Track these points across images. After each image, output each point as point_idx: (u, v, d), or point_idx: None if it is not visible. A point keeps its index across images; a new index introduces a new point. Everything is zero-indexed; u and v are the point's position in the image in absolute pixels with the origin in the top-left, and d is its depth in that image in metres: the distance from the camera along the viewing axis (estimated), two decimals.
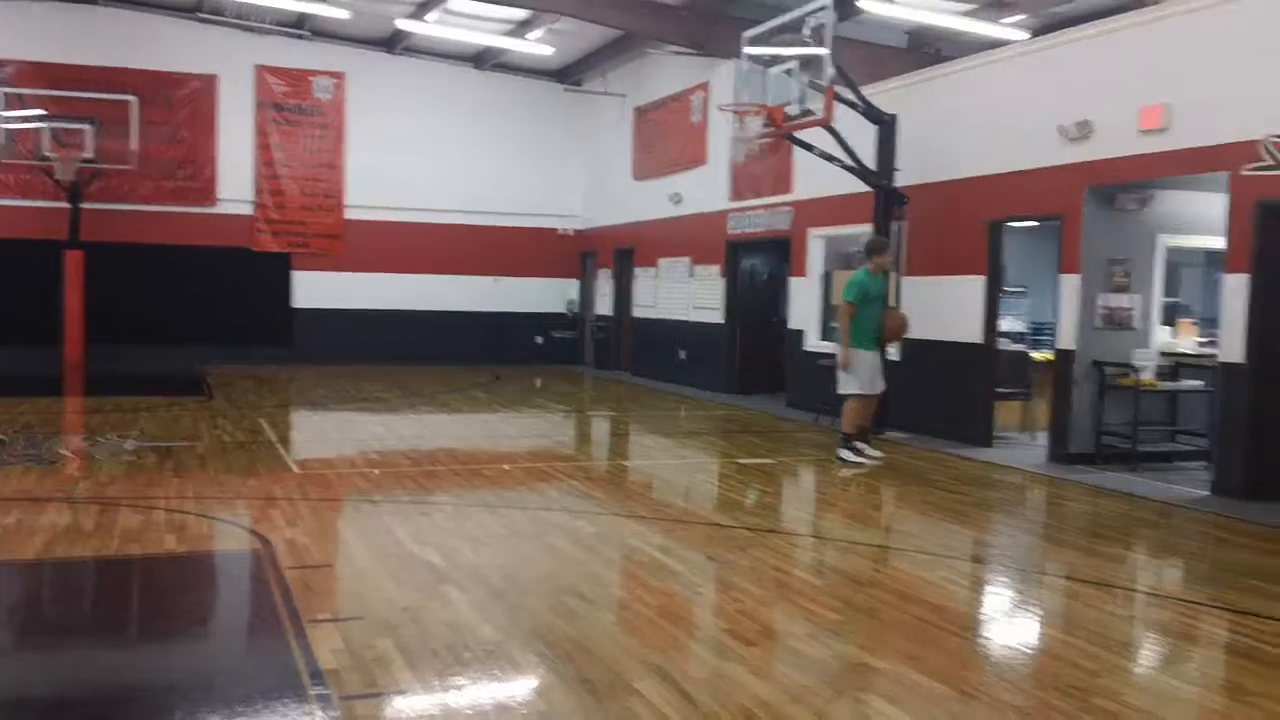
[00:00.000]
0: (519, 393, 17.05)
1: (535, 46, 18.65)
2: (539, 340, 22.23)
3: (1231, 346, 8.75)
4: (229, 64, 19.95)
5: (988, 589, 6.45)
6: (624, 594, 5.87)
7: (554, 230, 22.30)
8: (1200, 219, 10.07)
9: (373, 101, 20.67)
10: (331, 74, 20.58)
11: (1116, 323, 10.32)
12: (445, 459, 10.32)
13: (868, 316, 10.13)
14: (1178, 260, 11.26)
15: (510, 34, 18.62)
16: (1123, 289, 10.31)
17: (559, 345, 22.37)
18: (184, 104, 19.90)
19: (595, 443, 13.10)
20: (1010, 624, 5.84)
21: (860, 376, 10.16)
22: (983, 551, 7.39)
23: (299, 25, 19.96)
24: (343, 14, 18.08)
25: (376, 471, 9.38)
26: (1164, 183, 9.91)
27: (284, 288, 20.70)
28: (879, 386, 10.32)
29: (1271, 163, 8.34)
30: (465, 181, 21.23)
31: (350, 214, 20.82)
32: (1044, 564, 7.07)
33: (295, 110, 20.52)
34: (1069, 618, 5.88)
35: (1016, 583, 6.66)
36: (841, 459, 10.16)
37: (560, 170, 22.05)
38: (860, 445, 10.30)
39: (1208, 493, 8.92)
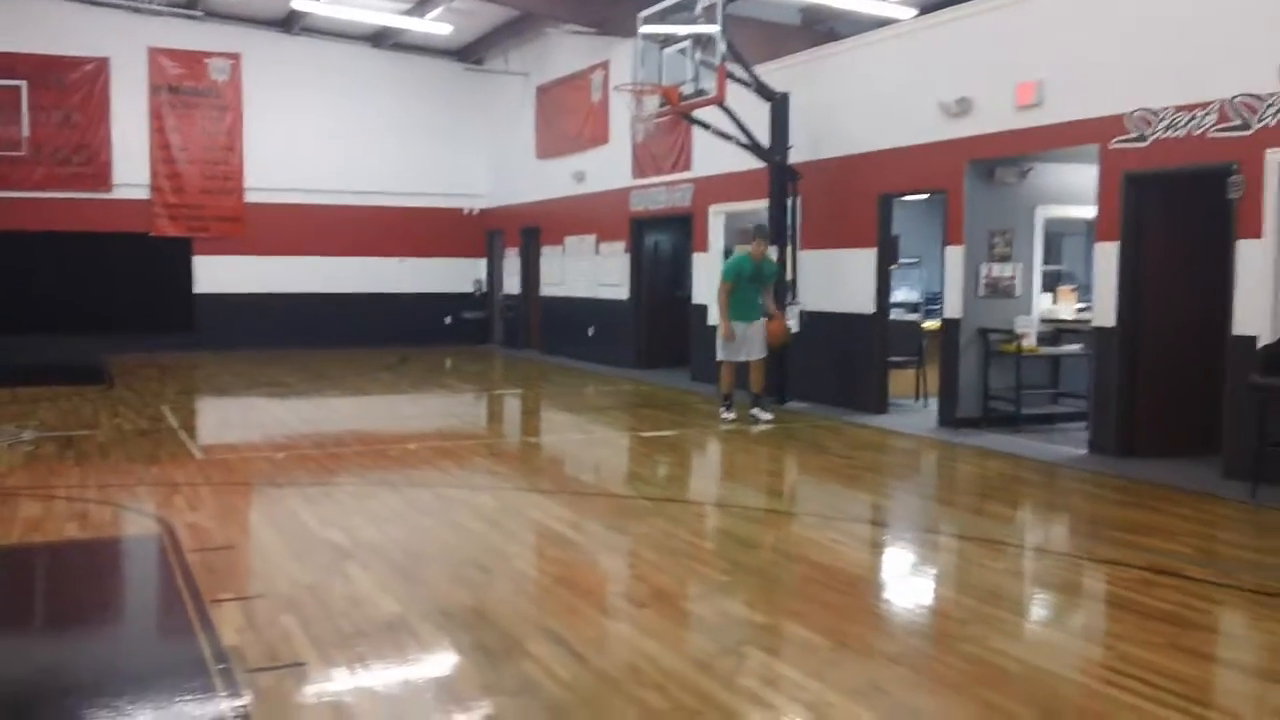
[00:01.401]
0: (426, 373, 17.10)
1: (434, 25, 18.58)
2: (447, 320, 22.23)
3: (1104, 312, 9.22)
4: (121, 46, 19.50)
5: (871, 548, 6.78)
6: (523, 564, 6.06)
7: (460, 210, 22.27)
8: (1076, 190, 10.51)
9: (271, 82, 20.38)
10: (227, 55, 20.24)
11: (1000, 291, 10.76)
12: (350, 441, 10.39)
13: (742, 295, 11.14)
14: (1059, 230, 11.74)
15: (408, 13, 18.52)
16: (1004, 259, 10.75)
17: (468, 325, 22.40)
18: (76, 88, 19.41)
19: (502, 420, 13.25)
20: (890, 579, 6.18)
21: (730, 345, 11.24)
22: (870, 513, 7.74)
23: (191, 6, 19.60)
24: None
25: (281, 455, 9.42)
26: (1041, 156, 10.33)
27: (185, 273, 20.37)
28: (753, 355, 11.23)
29: (1137, 135, 8.79)
30: (368, 162, 21.07)
31: (251, 197, 20.56)
32: (927, 523, 7.45)
33: (191, 92, 20.15)
34: (946, 572, 6.25)
35: (899, 541, 7.02)
36: (723, 417, 11.33)
37: (464, 150, 22.00)
38: (732, 404, 11.47)
39: (1085, 452, 9.40)
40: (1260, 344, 7.79)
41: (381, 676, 4.26)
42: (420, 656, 4.49)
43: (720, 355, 11.40)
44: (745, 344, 11.21)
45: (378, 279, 21.36)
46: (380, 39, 20.81)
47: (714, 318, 14.77)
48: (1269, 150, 7.82)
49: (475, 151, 22.11)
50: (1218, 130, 8.18)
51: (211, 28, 20.04)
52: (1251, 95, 7.92)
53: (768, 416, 11.12)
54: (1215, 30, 8.20)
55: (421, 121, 21.50)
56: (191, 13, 19.74)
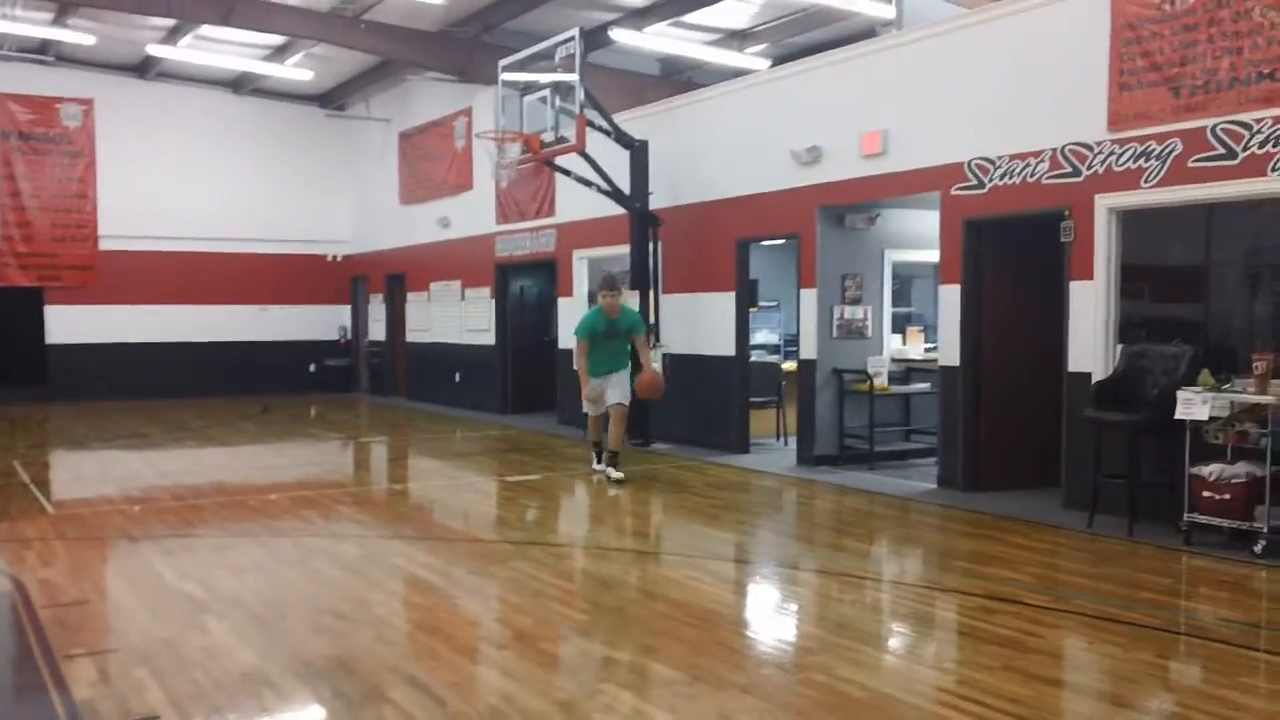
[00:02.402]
0: (290, 422, 16.76)
1: (294, 71, 18.42)
2: (311, 369, 21.83)
3: (949, 351, 9.65)
4: None
5: (729, 584, 6.93)
6: (384, 611, 6.02)
7: (323, 256, 21.98)
8: (922, 235, 10.99)
9: (126, 129, 19.84)
10: (79, 101, 19.64)
11: (853, 332, 11.17)
12: (210, 492, 10.13)
13: (602, 351, 10.41)
14: (908, 273, 12.24)
15: (268, 59, 18.33)
16: (856, 301, 11.17)
17: (333, 373, 22.04)
18: None
19: (367, 468, 13.08)
20: (745, 614, 6.34)
21: (593, 401, 10.61)
22: (728, 550, 7.91)
23: (43, 51, 18.98)
24: (88, 40, 17.36)
25: (137, 508, 9.14)
26: (888, 202, 10.80)
27: (36, 323, 19.58)
28: (612, 399, 10.44)
29: (976, 183, 9.27)
30: (228, 209, 20.65)
31: (105, 244, 19.92)
32: (784, 558, 7.65)
33: (41, 139, 19.49)
34: (800, 605, 6.44)
35: (757, 577, 7.20)
36: (593, 468, 10.90)
37: (327, 196, 21.77)
38: (599, 458, 10.84)
39: (935, 486, 9.78)
40: (1093, 380, 8.27)
41: None
42: (278, 707, 4.44)
43: (585, 408, 10.88)
44: (605, 394, 10.58)
45: (239, 327, 20.86)
46: (240, 84, 20.51)
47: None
48: (1098, 196, 8.33)
49: (338, 197, 21.89)
50: (1050, 177, 8.69)
51: (64, 73, 19.45)
52: (1081, 144, 8.44)
53: (617, 475, 10.31)
54: (1047, 82, 8.72)
55: (283, 167, 21.20)
56: (43, 58, 19.11)
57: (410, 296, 20.02)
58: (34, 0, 15.98)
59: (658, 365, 12.27)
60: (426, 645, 5.36)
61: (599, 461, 10.74)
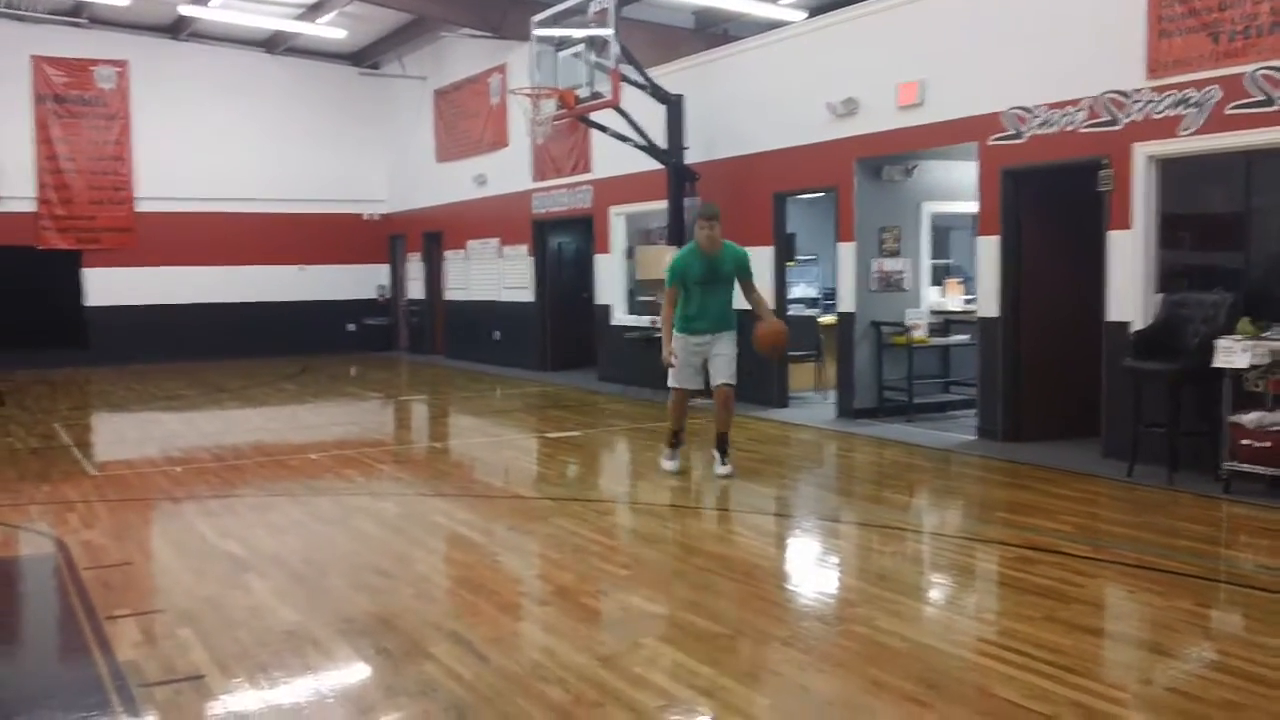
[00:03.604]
0: (330, 382, 16.93)
1: (327, 30, 18.41)
2: (351, 328, 22.01)
3: (988, 303, 9.56)
4: (3, 55, 18.93)
5: (770, 538, 6.96)
6: (424, 568, 6.10)
7: (360, 215, 22.07)
8: (960, 186, 10.87)
9: (160, 90, 19.97)
10: (113, 63, 19.77)
11: (891, 285, 11.09)
12: (250, 453, 10.28)
13: (696, 301, 8.14)
14: (945, 225, 12.10)
15: (300, 17, 18.32)
16: (894, 253, 11.08)
17: (372, 332, 22.21)
18: None
19: (406, 427, 13.21)
20: (785, 567, 6.36)
21: (680, 369, 8.28)
22: (770, 504, 7.92)
23: (76, 13, 19.10)
24: (122, 1, 17.42)
25: (178, 469, 9.29)
26: (925, 154, 10.67)
27: (75, 286, 19.86)
28: (717, 377, 8.24)
29: (1013, 133, 9.13)
30: (264, 169, 20.77)
31: (142, 206, 20.12)
32: (824, 511, 7.66)
33: (77, 101, 19.64)
34: (840, 558, 6.46)
35: (797, 530, 7.22)
36: (661, 465, 8.59)
37: (363, 154, 21.82)
38: (675, 451, 8.59)
39: (975, 437, 9.73)
40: (1132, 329, 8.18)
41: (281, 685, 4.29)
42: (321, 664, 4.52)
43: (670, 380, 8.38)
44: (700, 365, 8.30)
45: (277, 287, 21.06)
46: (273, 44, 20.53)
47: (619, 317, 14.95)
48: (1136, 144, 8.20)
49: (374, 156, 21.94)
50: (1088, 126, 8.55)
51: (97, 35, 19.56)
52: (1119, 92, 8.30)
53: (725, 469, 8.28)
54: (1085, 30, 8.56)
55: (318, 127, 21.26)
56: (76, 20, 19.23)
57: (448, 254, 20.09)
58: None
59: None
60: (468, 601, 5.44)
61: (672, 455, 8.49)
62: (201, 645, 4.68)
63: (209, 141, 20.31)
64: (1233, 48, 7.54)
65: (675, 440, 8.53)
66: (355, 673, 4.45)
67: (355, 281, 22.09)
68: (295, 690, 4.25)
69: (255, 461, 9.72)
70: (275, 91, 20.90)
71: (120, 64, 19.79)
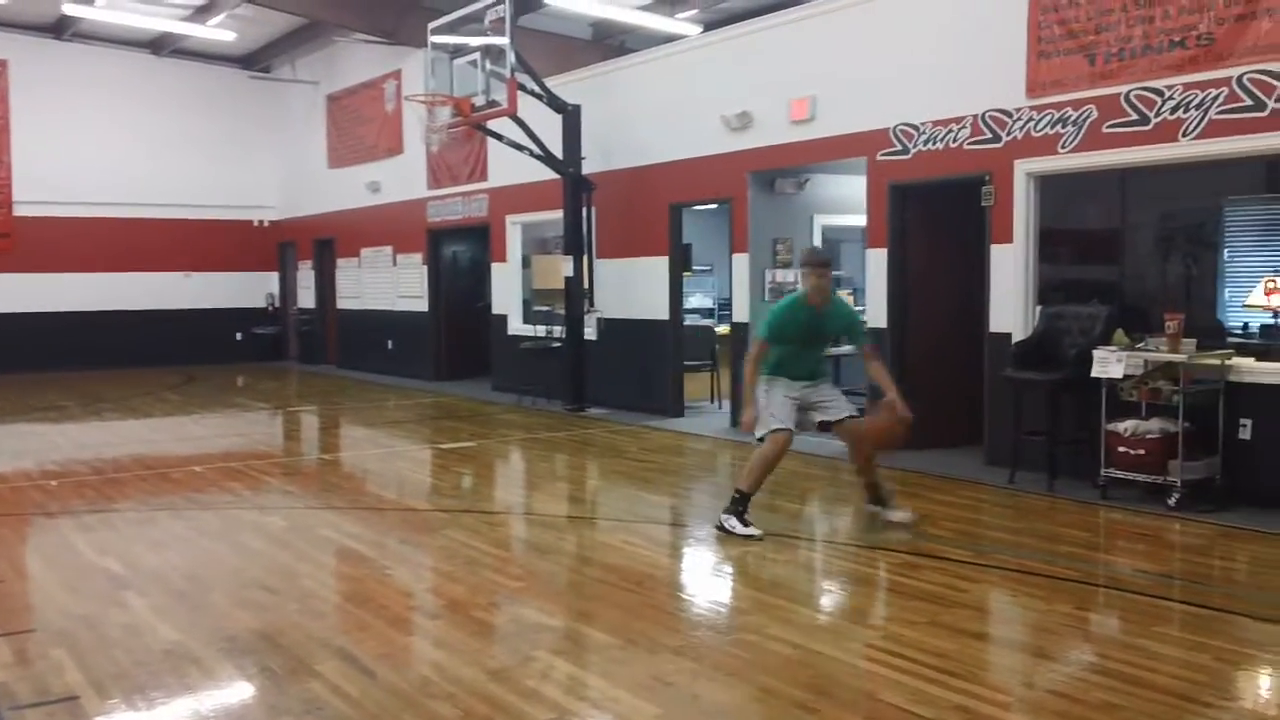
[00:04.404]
0: (216, 392, 16.49)
1: (216, 32, 17.93)
2: (239, 337, 21.46)
3: (876, 313, 9.76)
4: None
5: (663, 547, 6.98)
6: (312, 583, 5.97)
7: (249, 222, 21.56)
8: (850, 200, 11.07)
9: (41, 91, 19.20)
10: None
11: (783, 295, 11.21)
12: (130, 465, 9.94)
13: (786, 356, 6.79)
14: (837, 237, 12.32)
15: (189, 19, 17.82)
16: (787, 265, 11.22)
17: (261, 341, 21.69)
18: None
19: (295, 438, 12.93)
20: (678, 577, 6.39)
21: (773, 410, 6.79)
22: (663, 514, 7.95)
23: None
24: None
25: (54, 483, 8.95)
26: (817, 168, 10.85)
27: None
28: (830, 412, 6.93)
29: (901, 148, 9.35)
30: (150, 174, 20.12)
31: (21, 210, 19.34)
32: (716, 520, 7.70)
33: None
34: (733, 567, 6.49)
35: (690, 540, 7.25)
36: (722, 526, 6.80)
37: (253, 160, 21.32)
38: (746, 507, 6.85)
39: None
40: (1014, 340, 8.43)
41: (160, 706, 4.15)
42: (201, 683, 4.38)
43: (768, 425, 6.77)
44: (806, 406, 6.88)
45: (162, 295, 20.40)
46: (160, 46, 19.94)
47: (515, 326, 14.87)
48: (1017, 161, 8.47)
49: (265, 162, 21.46)
50: (972, 143, 8.79)
51: None
52: (1001, 111, 8.55)
53: (904, 515, 6.93)
54: (969, 50, 8.81)
55: (207, 131, 20.68)
56: None
57: (340, 263, 19.75)
58: None
59: (591, 331, 12.24)
60: (356, 617, 5.34)
61: (741, 520, 6.75)
62: (76, 666, 4.51)
63: (92, 144, 19.62)
64: (1108, 69, 7.84)
65: (746, 504, 6.81)
66: (237, 692, 4.33)
67: (243, 289, 21.55)
68: (174, 712, 4.12)
69: (136, 474, 9.41)
70: (162, 95, 20.28)
71: None
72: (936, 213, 9.42)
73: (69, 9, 17.20)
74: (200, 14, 17.58)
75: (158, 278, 20.39)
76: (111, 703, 4.15)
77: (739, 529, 6.71)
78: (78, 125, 19.52)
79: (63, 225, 19.55)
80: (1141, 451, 7.25)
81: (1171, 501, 7.09)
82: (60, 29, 19.11)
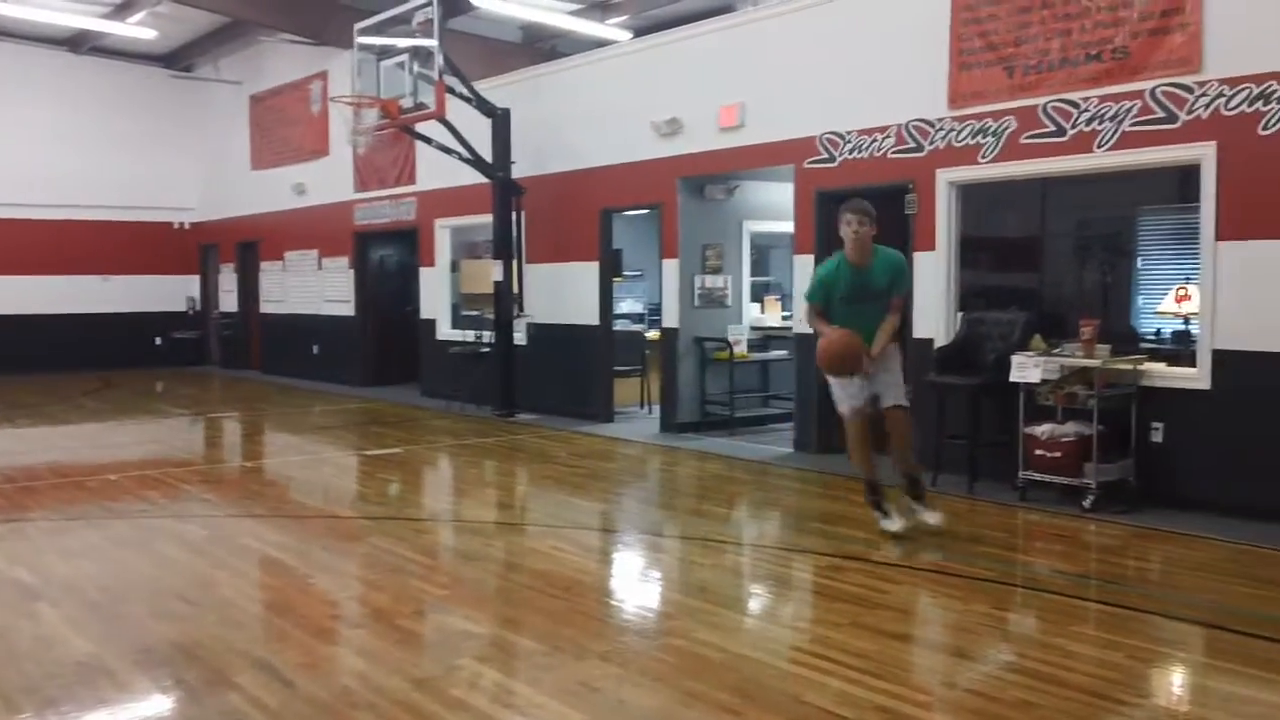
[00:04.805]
0: (134, 398, 16.12)
1: (136, 30, 17.56)
2: (158, 341, 21.00)
3: (802, 319, 9.82)
4: None
5: (591, 553, 6.96)
6: (231, 592, 5.85)
7: (170, 224, 21.13)
8: (779, 206, 11.14)
9: None
10: None
11: (713, 301, 11.30)
12: (44, 473, 9.67)
13: (837, 319, 6.59)
14: (766, 243, 12.42)
15: (109, 16, 17.42)
16: (716, 270, 11.29)
17: (181, 346, 21.24)
18: None
19: (216, 445, 12.68)
20: (606, 582, 6.38)
21: (846, 386, 6.73)
22: (592, 519, 7.94)
23: None
24: None
25: None
26: (745, 174, 10.92)
27: None
28: (887, 398, 6.70)
29: (827, 156, 9.45)
30: (67, 174, 19.56)
31: None
32: (647, 525, 7.73)
33: None
34: (660, 571, 6.52)
35: (618, 544, 7.26)
36: (881, 526, 6.80)
37: (174, 161, 20.88)
38: (884, 503, 6.86)
39: (791, 450, 9.99)
40: (936, 346, 8.56)
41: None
42: (115, 696, 4.28)
43: (839, 405, 6.86)
44: (862, 383, 6.67)
45: (78, 299, 19.87)
46: (78, 43, 19.45)
47: (444, 331, 14.74)
48: (939, 170, 8.62)
49: (186, 163, 21.04)
50: (896, 152, 8.92)
51: None
52: (924, 121, 8.70)
53: (933, 519, 6.73)
54: (894, 60, 8.94)
55: (127, 131, 20.21)
56: None
57: (264, 266, 19.43)
58: None
59: (520, 336, 12.15)
60: (276, 627, 5.25)
61: (882, 511, 6.80)
62: None
63: (6, 143, 19.07)
64: (1027, 81, 8.01)
65: (876, 491, 6.83)
66: (153, 705, 4.23)
67: (164, 293, 21.10)
68: None
69: (49, 483, 9.16)
70: (80, 93, 19.77)
71: None
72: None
73: None
74: (120, 11, 17.20)
75: (74, 281, 19.86)
76: (21, 717, 4.02)
77: (883, 521, 6.80)
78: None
79: None
80: (1058, 454, 7.42)
81: (1087, 503, 7.25)
82: None
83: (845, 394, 6.73)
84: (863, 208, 6.58)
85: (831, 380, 6.78)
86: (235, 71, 19.63)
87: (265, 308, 19.46)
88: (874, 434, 6.89)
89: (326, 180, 17.16)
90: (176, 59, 20.29)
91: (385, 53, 12.19)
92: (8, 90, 19.11)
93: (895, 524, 6.71)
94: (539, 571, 6.19)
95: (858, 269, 6.58)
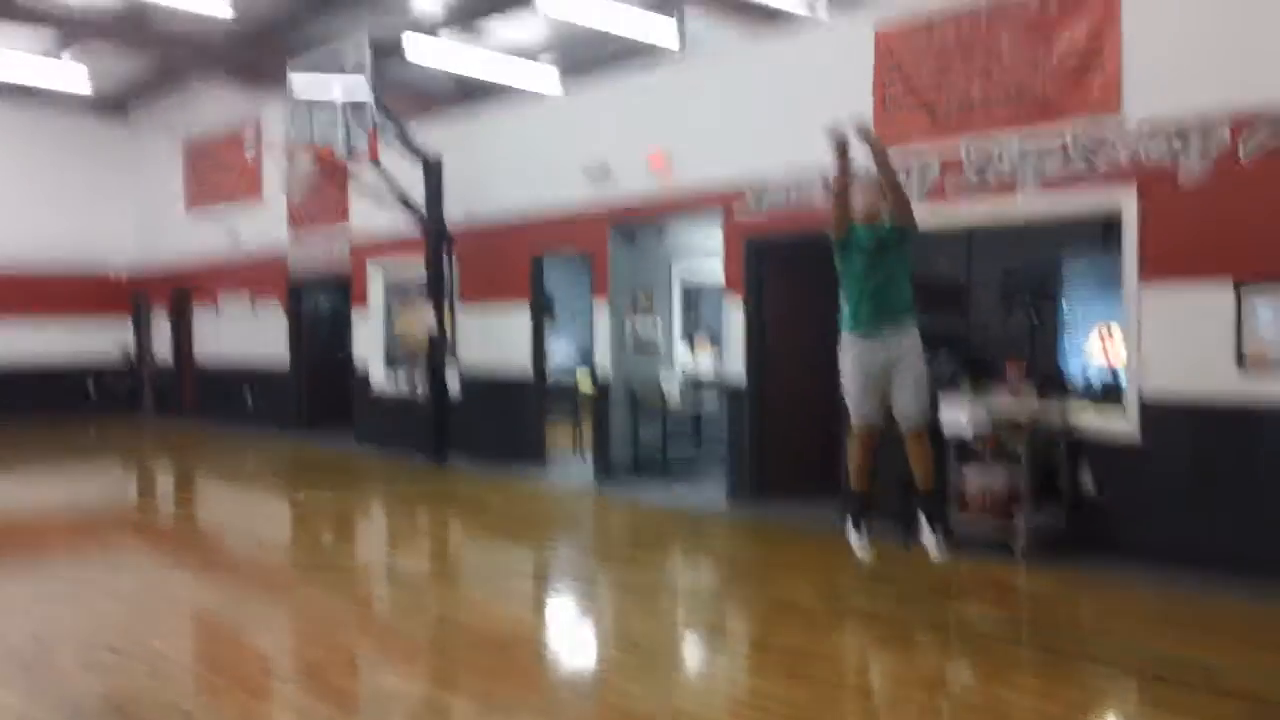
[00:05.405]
0: (65, 447, 15.80)
1: (70, 78, 17.32)
2: (90, 388, 20.56)
3: (734, 365, 9.97)
4: None
5: (525, 605, 6.96)
6: (162, 645, 5.77)
7: (100, 270, 20.76)
8: (709, 251, 11.21)
9: None
10: None
11: (644, 347, 11.39)
12: None
13: (853, 282, 5.90)
14: (697, 288, 12.55)
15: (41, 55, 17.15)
16: (647, 314, 11.39)
17: (114, 393, 20.81)
18: None
19: (149, 494, 12.48)
20: (541, 635, 6.38)
21: (847, 388, 5.94)
22: (525, 568, 7.93)
23: None
24: None
25: None
26: (676, 219, 11.03)
27: None
28: (902, 410, 5.80)
29: (754, 203, 9.61)
30: (6, 225, 19.14)
31: None
32: (579, 575, 7.76)
33: None
34: (595, 623, 6.54)
35: (552, 596, 7.28)
36: (852, 543, 6.16)
37: (105, 206, 20.51)
38: (861, 523, 6.14)
39: (724, 497, 10.03)
40: None
41: None
42: None
43: (851, 412, 5.99)
44: (879, 382, 5.82)
45: (9, 347, 19.40)
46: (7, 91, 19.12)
47: (378, 376, 14.66)
48: None
49: (117, 208, 20.69)
50: (823, 198, 9.07)
51: None
52: None
53: (936, 550, 5.96)
54: (818, 105, 8.99)
55: (56, 175, 19.80)
56: None
57: (198, 311, 19.20)
58: None
59: (454, 384, 12.12)
60: (207, 680, 5.21)
61: (857, 528, 6.13)
62: None
63: None
64: (948, 124, 8.23)
65: (858, 507, 6.13)
66: None
67: (96, 339, 20.69)
68: None
69: None
70: (7, 138, 19.45)
71: None
72: (790, 266, 9.67)
73: None
74: (50, 52, 16.96)
75: (3, 328, 19.41)
76: None
77: (853, 535, 6.11)
78: None
79: None
80: (988, 500, 7.55)
81: (1017, 549, 7.32)
82: None
83: (858, 402, 5.88)
84: (877, 140, 5.87)
85: (847, 373, 5.87)
86: (169, 116, 19.45)
87: (199, 353, 19.20)
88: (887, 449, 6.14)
89: (261, 225, 17.04)
90: (109, 103, 20.05)
91: (318, 98, 12.21)
92: None
93: (865, 549, 6.10)
94: (472, 625, 6.19)
95: (870, 229, 5.85)
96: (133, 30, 15.12)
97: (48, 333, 19.90)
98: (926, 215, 8.32)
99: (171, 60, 16.56)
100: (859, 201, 5.82)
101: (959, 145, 8.16)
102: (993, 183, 7.98)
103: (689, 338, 12.25)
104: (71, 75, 17.20)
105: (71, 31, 15.21)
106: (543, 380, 12.22)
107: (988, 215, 8.07)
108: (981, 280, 8.93)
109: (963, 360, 8.29)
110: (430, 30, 14.21)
